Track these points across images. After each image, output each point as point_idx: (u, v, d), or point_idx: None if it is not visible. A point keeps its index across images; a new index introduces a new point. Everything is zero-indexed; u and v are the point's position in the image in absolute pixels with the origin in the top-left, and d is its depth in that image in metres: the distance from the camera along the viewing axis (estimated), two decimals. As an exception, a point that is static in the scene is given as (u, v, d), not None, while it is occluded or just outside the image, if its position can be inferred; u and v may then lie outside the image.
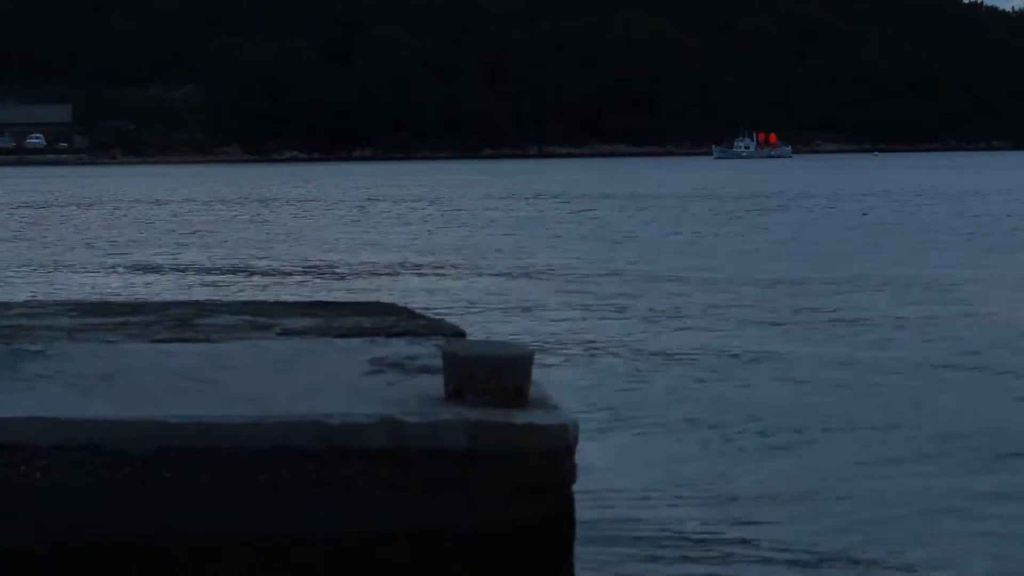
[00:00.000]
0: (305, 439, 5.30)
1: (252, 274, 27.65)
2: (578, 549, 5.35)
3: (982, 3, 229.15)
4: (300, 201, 63.97)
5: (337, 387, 5.83)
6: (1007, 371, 14.45)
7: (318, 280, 26.13)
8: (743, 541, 8.45)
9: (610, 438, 11.22)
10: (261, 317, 7.75)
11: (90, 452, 5.27)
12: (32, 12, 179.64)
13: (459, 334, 7.15)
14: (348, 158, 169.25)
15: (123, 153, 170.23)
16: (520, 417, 5.35)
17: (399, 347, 6.73)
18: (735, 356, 15.78)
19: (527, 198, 63.67)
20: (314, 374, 6.13)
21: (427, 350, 6.57)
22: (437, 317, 7.78)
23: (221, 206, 59.89)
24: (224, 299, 13.10)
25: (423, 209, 54.90)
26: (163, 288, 24.63)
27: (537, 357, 5.59)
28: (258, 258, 31.65)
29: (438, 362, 5.80)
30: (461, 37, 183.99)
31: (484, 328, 17.73)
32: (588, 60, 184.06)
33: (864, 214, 47.55)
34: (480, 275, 26.68)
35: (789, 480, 9.94)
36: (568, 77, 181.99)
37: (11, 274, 27.94)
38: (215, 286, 24.97)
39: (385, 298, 16.62)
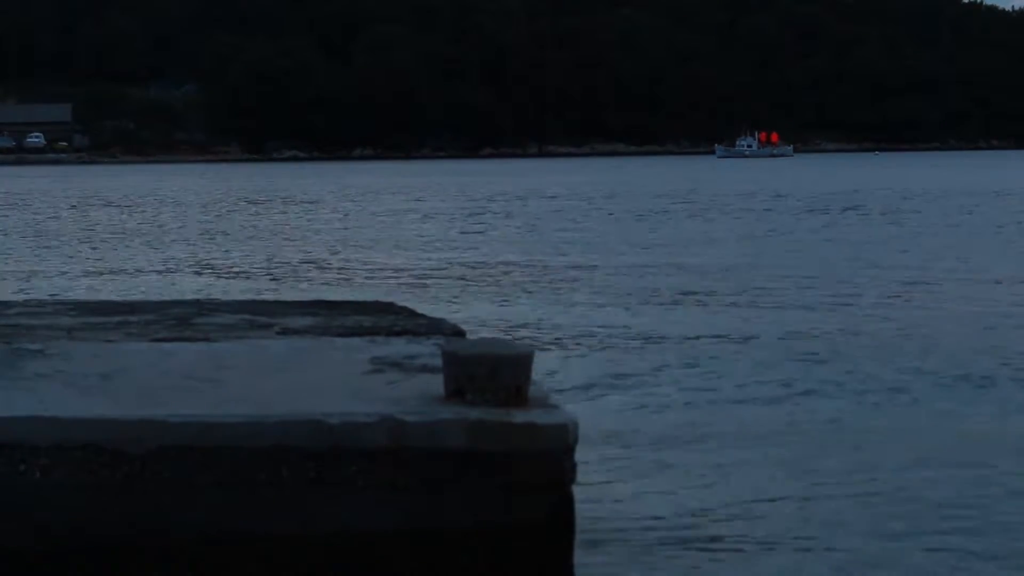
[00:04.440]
0: (305, 438, 5.30)
1: (252, 273, 27.64)
2: (577, 547, 5.35)
3: (982, 3, 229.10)
4: (300, 201, 63.98)
5: (337, 386, 5.83)
6: None
7: (318, 279, 26.11)
8: (742, 536, 8.45)
9: (610, 437, 11.21)
10: (261, 316, 7.74)
11: (90, 451, 5.27)
12: (31, 12, 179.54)
13: (459, 333, 7.15)
14: (348, 157, 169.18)
15: (123, 152, 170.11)
16: (520, 416, 5.35)
17: (399, 346, 6.73)
18: (737, 351, 15.78)
19: (543, 197, 63.65)
20: (314, 373, 6.13)
21: (427, 349, 6.57)
22: (437, 316, 7.78)
23: (220, 205, 59.90)
24: (224, 298, 13.08)
25: (423, 209, 54.90)
26: (163, 287, 24.62)
27: (537, 356, 5.59)
28: (258, 257, 31.63)
29: (438, 361, 5.80)
30: (461, 37, 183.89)
31: (484, 327, 17.72)
32: (588, 60, 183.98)
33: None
34: (480, 274, 26.66)
35: (791, 478, 9.94)
36: (568, 77, 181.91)
37: (10, 273, 27.93)
38: (215, 285, 24.96)
39: (385, 297, 16.61)
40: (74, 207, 59.87)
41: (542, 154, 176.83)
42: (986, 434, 11.50)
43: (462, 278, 25.95)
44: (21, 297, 20.27)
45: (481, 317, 19.49)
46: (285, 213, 52.84)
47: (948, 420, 12.08)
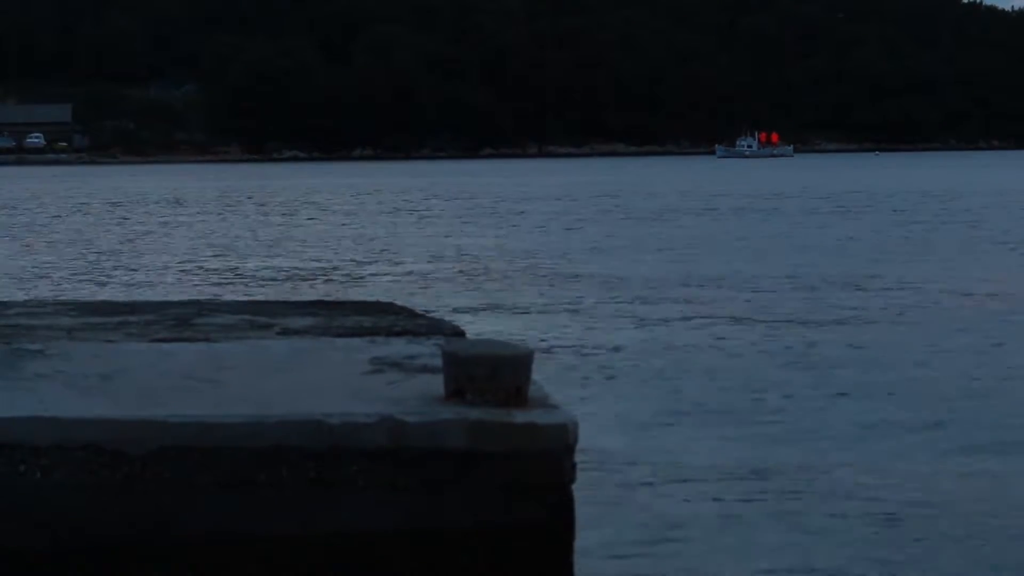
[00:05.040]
0: (305, 439, 5.29)
1: (251, 273, 27.64)
2: (579, 542, 5.35)
3: (982, 3, 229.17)
4: (301, 201, 63.95)
5: (337, 387, 5.83)
6: None
7: (318, 279, 26.11)
8: (741, 532, 8.45)
9: (610, 437, 11.21)
10: (261, 316, 7.73)
11: (90, 452, 5.26)
12: (31, 12, 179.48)
13: (459, 333, 7.14)
14: (348, 157, 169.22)
15: (123, 153, 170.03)
16: (520, 417, 5.35)
17: (399, 346, 6.72)
18: (737, 352, 15.77)
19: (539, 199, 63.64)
20: (314, 374, 6.12)
21: (427, 349, 6.56)
22: (437, 316, 7.78)
23: (219, 205, 59.87)
24: (224, 298, 13.10)
25: (423, 209, 54.88)
26: (163, 287, 24.62)
27: (537, 356, 5.58)
28: (257, 257, 31.62)
29: (438, 361, 5.80)
30: (461, 37, 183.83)
31: (484, 327, 17.74)
32: (588, 60, 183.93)
33: None
34: (480, 274, 26.66)
35: (790, 473, 9.94)
36: (568, 77, 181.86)
37: (10, 272, 27.93)
38: (215, 285, 24.96)
39: (385, 297, 16.62)
40: (73, 207, 59.85)
41: (542, 154, 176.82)
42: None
43: (462, 278, 25.94)
44: (21, 297, 20.28)
45: (481, 317, 19.49)
46: (285, 214, 52.83)
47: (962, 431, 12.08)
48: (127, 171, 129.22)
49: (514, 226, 42.55)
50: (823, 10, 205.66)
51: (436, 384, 5.61)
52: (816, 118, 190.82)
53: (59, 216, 52.15)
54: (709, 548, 8.26)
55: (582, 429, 5.56)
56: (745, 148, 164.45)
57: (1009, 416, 12.33)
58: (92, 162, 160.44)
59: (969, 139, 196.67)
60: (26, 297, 19.82)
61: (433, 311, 14.17)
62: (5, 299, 11.40)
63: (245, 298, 18.95)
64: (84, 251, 34.31)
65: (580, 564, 5.44)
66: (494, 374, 5.39)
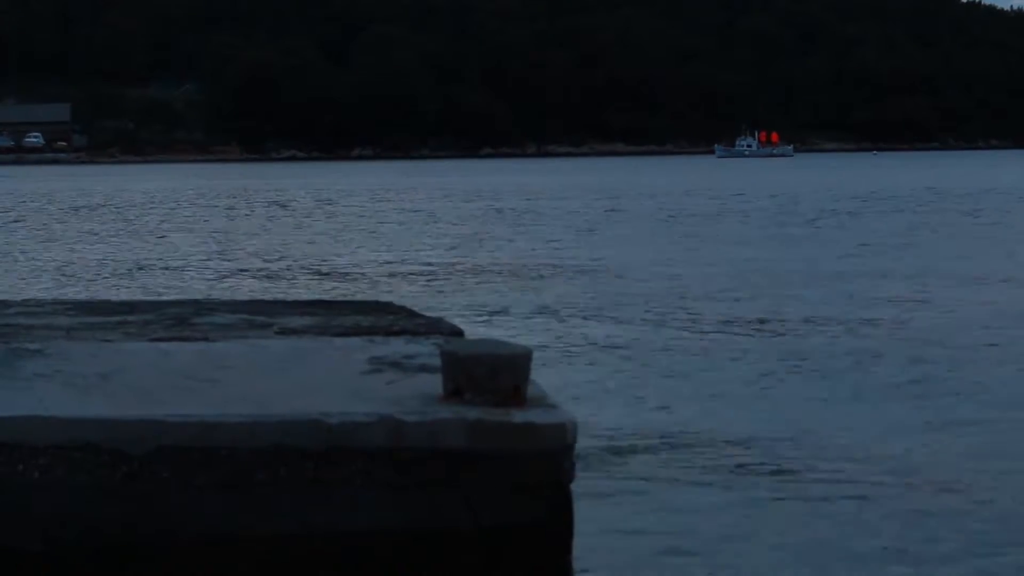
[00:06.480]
0: (304, 438, 5.29)
1: (250, 273, 27.63)
2: (576, 543, 5.35)
3: (981, 3, 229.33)
4: (300, 201, 63.95)
5: (336, 386, 5.83)
6: None
7: (316, 279, 26.11)
8: (737, 538, 8.45)
9: (609, 436, 11.21)
10: (259, 316, 7.73)
11: (89, 451, 5.27)
12: (31, 11, 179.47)
13: (457, 333, 7.14)
14: (347, 157, 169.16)
15: (122, 152, 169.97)
16: (518, 416, 5.35)
17: (398, 346, 6.72)
18: (742, 354, 15.77)
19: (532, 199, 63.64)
20: (312, 373, 6.12)
21: (425, 349, 6.56)
22: (435, 316, 7.77)
23: (219, 205, 59.87)
24: (222, 298, 13.10)
25: (422, 208, 54.89)
26: (161, 287, 24.62)
27: (535, 356, 5.58)
28: (256, 257, 31.62)
29: (437, 361, 5.80)
30: (461, 37, 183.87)
31: (482, 327, 17.73)
32: (588, 60, 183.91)
33: None
34: (479, 274, 26.66)
35: (789, 476, 9.95)
36: (568, 77, 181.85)
37: (8, 273, 27.92)
38: (213, 285, 24.96)
39: (383, 297, 16.62)
40: (71, 207, 59.85)
41: (541, 154, 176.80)
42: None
43: (461, 278, 25.94)
44: (19, 297, 20.26)
45: (480, 317, 19.50)
46: (285, 214, 52.83)
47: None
48: (126, 171, 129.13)
49: (514, 226, 42.56)
50: (823, 10, 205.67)
51: (435, 384, 5.62)
52: (815, 118, 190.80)
53: (56, 215, 52.17)
54: (710, 547, 8.26)
55: (581, 429, 5.56)
56: (745, 148, 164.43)
57: None
58: (91, 162, 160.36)
59: (969, 139, 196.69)
60: (24, 297, 19.82)
61: (432, 311, 14.16)
62: (3, 299, 11.39)
63: (243, 297, 18.95)
64: (82, 250, 34.31)
65: (578, 564, 5.44)
66: (493, 374, 5.40)
